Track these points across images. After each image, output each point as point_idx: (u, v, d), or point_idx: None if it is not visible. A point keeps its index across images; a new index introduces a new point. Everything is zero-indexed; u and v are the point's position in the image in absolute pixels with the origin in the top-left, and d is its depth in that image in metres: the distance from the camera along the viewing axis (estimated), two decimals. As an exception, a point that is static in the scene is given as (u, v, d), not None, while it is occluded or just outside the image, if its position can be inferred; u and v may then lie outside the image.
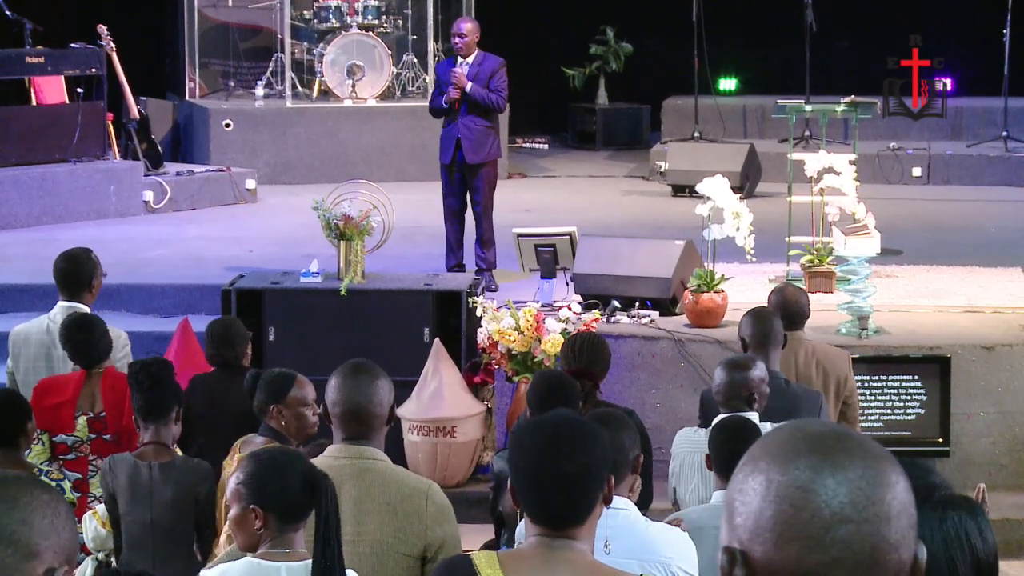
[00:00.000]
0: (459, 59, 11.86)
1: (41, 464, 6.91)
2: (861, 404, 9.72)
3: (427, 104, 12.50)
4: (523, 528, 3.70)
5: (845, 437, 2.04)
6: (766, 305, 7.83)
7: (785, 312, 7.70)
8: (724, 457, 5.65)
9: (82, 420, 6.97)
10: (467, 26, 11.97)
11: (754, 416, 6.50)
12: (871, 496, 1.99)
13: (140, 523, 6.27)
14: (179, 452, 6.47)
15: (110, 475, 6.31)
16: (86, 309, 7.49)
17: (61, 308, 7.54)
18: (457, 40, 11.91)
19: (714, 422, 6.09)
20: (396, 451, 7.88)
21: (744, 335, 7.29)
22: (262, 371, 6.39)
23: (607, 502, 3.63)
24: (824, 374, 7.71)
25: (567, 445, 3.57)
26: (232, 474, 4.59)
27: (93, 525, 6.39)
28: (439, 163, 11.97)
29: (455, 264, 11.83)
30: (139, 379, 6.34)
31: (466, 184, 11.82)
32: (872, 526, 1.98)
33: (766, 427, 6.40)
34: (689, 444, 6.63)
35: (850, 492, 1.98)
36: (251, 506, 4.43)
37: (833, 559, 1.98)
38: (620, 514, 4.64)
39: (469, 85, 11.65)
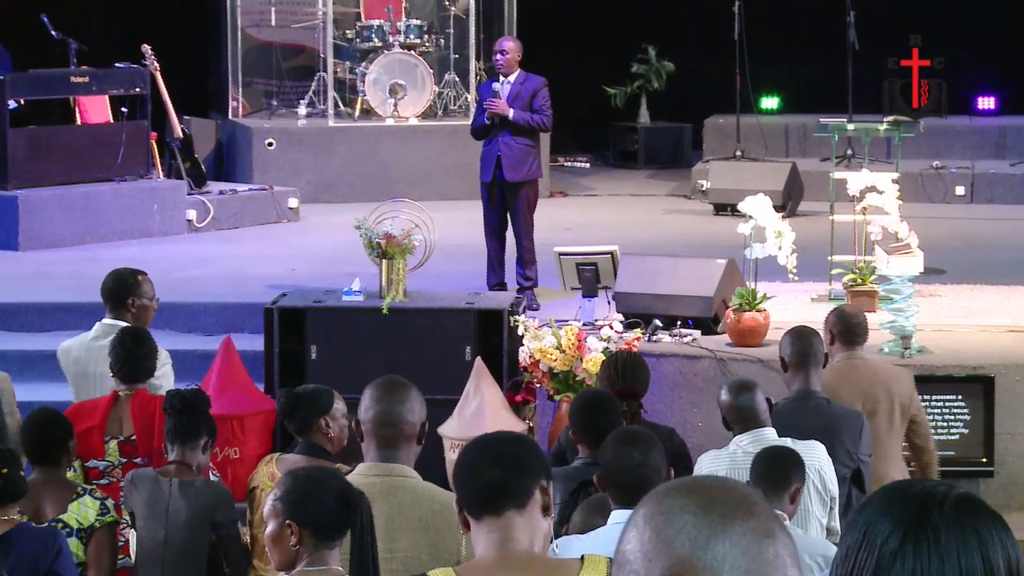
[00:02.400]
0: (501, 78, 11.86)
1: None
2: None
3: (469, 123, 12.52)
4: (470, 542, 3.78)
5: (723, 492, 2.04)
6: (812, 324, 7.81)
7: (845, 328, 7.67)
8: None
9: (113, 444, 6.95)
10: (509, 44, 11.98)
11: (772, 432, 6.53)
12: (737, 548, 1.98)
13: (153, 540, 6.28)
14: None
15: (131, 489, 6.35)
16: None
17: (101, 326, 7.58)
18: (499, 57, 11.91)
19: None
20: (438, 469, 7.88)
21: (784, 354, 7.27)
22: (293, 390, 6.37)
23: (547, 511, 3.68)
24: (889, 393, 7.66)
25: (502, 437, 3.80)
26: (270, 491, 4.61)
27: None
28: (479, 181, 11.98)
29: (497, 283, 11.83)
30: (173, 403, 6.42)
31: (506, 203, 11.83)
32: None
33: (787, 442, 6.42)
34: (713, 465, 6.63)
35: (715, 544, 1.97)
36: (287, 522, 4.45)
37: None
38: None
39: (511, 113, 11.65)
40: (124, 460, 6.94)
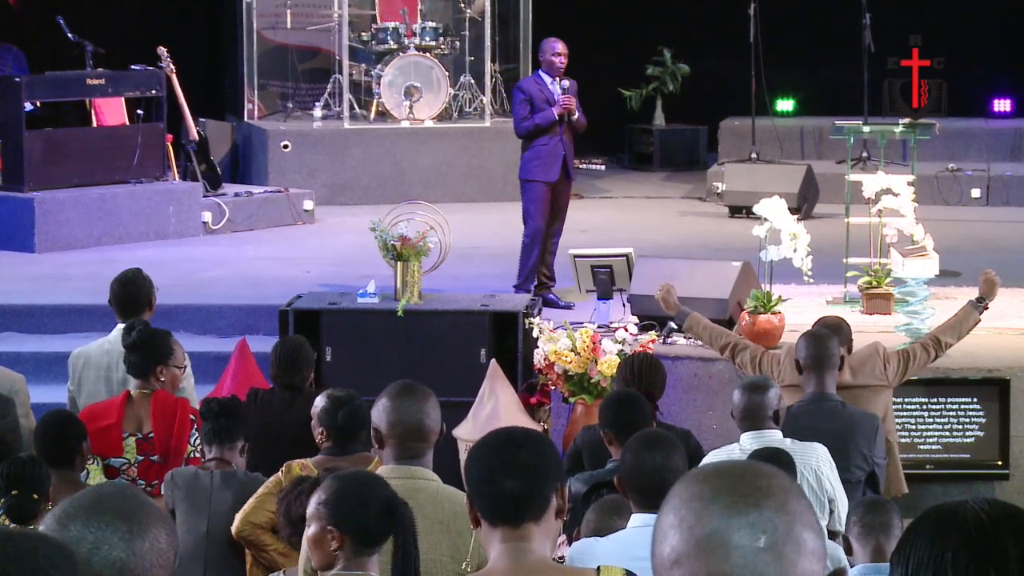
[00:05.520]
0: (552, 79, 11.75)
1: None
2: (920, 427, 9.68)
3: (484, 124, 12.47)
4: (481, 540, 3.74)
5: (751, 474, 2.09)
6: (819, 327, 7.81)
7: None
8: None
9: (131, 441, 6.97)
10: (565, 46, 11.90)
11: (777, 434, 6.53)
12: (764, 526, 2.03)
13: (195, 533, 6.31)
14: None
15: (171, 486, 6.40)
16: None
17: (120, 331, 7.58)
18: (562, 60, 11.68)
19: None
20: (454, 471, 7.89)
21: (799, 357, 7.27)
22: (339, 397, 6.31)
23: (561, 514, 3.65)
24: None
25: (520, 440, 3.69)
26: (314, 493, 4.60)
27: None
28: (534, 182, 11.65)
29: (544, 283, 11.69)
30: (211, 406, 6.57)
31: (554, 202, 11.74)
32: (760, 553, 2.02)
33: (786, 443, 6.42)
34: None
35: (742, 521, 2.03)
36: (329, 527, 4.43)
37: None
38: None
39: (578, 112, 11.66)
40: (141, 458, 6.97)
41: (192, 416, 6.98)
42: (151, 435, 6.97)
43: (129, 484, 2.56)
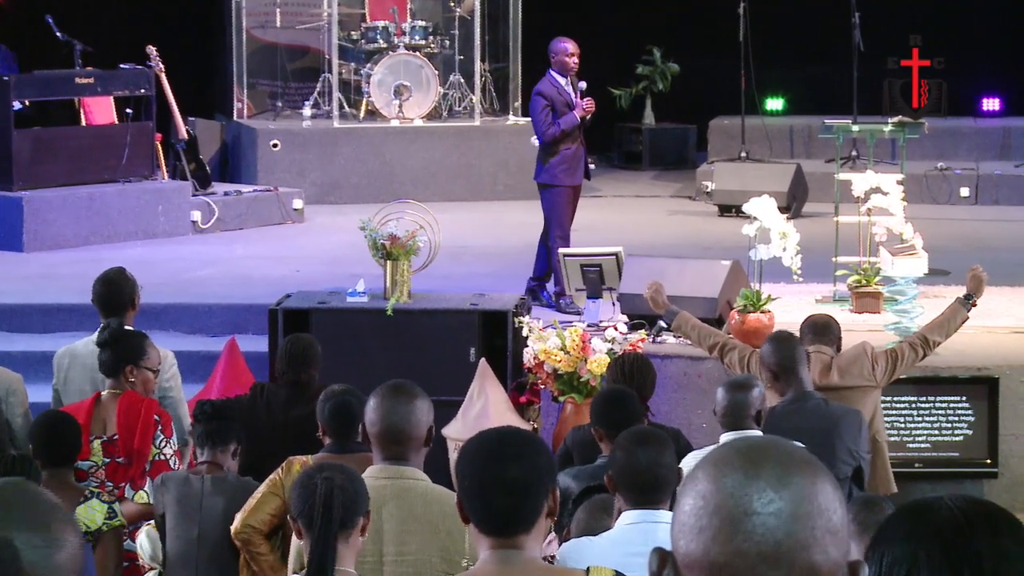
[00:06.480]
0: (564, 79, 11.71)
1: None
2: (909, 426, 9.69)
3: (472, 124, 12.45)
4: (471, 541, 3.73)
5: (774, 446, 2.07)
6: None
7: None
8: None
9: (96, 444, 6.91)
10: (577, 46, 11.86)
11: (757, 433, 6.52)
12: (783, 495, 2.01)
13: (187, 538, 6.29)
14: None
15: (161, 490, 6.36)
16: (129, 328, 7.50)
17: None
18: (575, 60, 11.70)
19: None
20: (443, 470, 7.89)
21: (769, 364, 7.25)
22: (332, 391, 6.30)
23: (552, 515, 3.65)
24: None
25: (511, 450, 3.63)
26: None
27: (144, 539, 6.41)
28: (561, 187, 11.63)
29: (560, 291, 11.53)
30: (204, 410, 6.51)
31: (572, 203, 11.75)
32: (778, 520, 2.00)
33: None
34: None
35: (761, 489, 2.01)
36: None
37: (736, 550, 2.00)
38: None
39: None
40: (108, 460, 6.91)
41: (157, 416, 6.93)
42: (115, 437, 6.92)
43: (26, 481, 2.53)
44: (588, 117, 11.65)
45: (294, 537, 4.76)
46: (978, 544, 2.17)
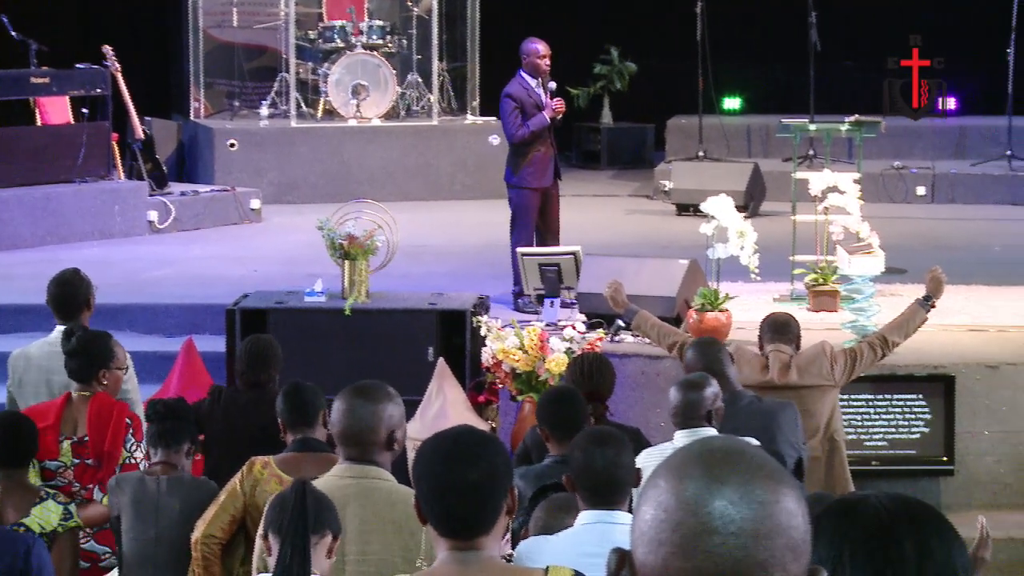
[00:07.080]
0: (535, 80, 11.64)
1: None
2: (866, 424, 9.72)
3: (432, 123, 12.42)
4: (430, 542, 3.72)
5: (739, 454, 2.04)
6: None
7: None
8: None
9: (66, 444, 6.87)
10: (548, 47, 11.78)
11: (711, 431, 6.52)
12: (744, 514, 1.99)
13: (143, 539, 6.25)
14: None
15: (116, 491, 6.32)
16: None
17: (60, 332, 7.51)
18: (547, 61, 11.59)
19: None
20: (402, 470, 7.87)
21: (694, 369, 7.22)
22: (299, 383, 6.27)
23: (511, 513, 3.64)
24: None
25: (468, 453, 3.60)
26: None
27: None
28: (527, 189, 11.52)
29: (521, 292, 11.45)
30: (157, 409, 6.45)
31: (545, 204, 11.64)
32: (738, 540, 1.98)
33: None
34: (647, 462, 6.62)
35: (723, 506, 1.99)
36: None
37: (695, 567, 1.98)
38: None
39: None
40: (77, 461, 6.88)
41: (128, 420, 6.90)
42: (86, 438, 6.89)
43: None
44: (558, 118, 11.63)
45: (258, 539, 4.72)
46: (903, 543, 2.16)
